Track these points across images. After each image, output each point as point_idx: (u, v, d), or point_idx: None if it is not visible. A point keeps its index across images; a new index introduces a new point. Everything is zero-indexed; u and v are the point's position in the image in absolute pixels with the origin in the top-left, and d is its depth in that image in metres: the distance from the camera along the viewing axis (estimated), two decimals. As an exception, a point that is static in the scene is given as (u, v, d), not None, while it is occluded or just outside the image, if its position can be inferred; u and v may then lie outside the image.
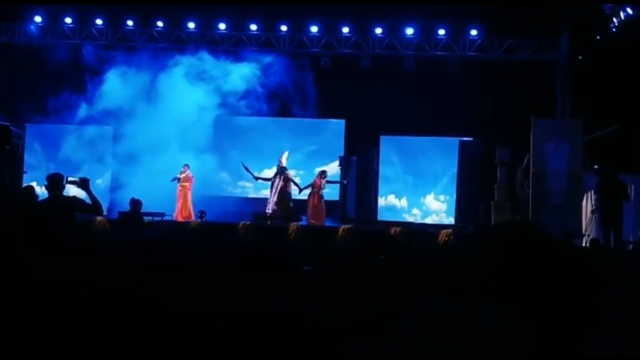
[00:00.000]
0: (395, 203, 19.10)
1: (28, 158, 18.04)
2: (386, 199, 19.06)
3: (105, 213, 12.80)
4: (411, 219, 18.53)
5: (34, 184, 12.63)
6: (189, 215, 17.00)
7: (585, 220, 14.46)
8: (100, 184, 18.32)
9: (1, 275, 3.68)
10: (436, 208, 19.03)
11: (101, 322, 3.24)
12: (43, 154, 18.89)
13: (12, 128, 16.17)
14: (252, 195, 18.95)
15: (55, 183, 7.74)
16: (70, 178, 7.87)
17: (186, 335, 3.25)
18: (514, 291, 3.22)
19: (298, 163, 18.68)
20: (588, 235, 13.64)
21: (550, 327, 3.02)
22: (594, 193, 13.55)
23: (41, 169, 17.82)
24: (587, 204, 14.70)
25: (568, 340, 3.01)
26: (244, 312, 3.43)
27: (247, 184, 18.86)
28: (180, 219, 16.69)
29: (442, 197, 18.97)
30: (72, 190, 8.31)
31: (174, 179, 17.14)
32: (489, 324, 3.01)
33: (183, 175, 17.23)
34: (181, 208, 17.12)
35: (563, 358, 2.96)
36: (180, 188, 17.22)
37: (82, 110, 17.49)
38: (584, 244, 13.14)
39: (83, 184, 7.88)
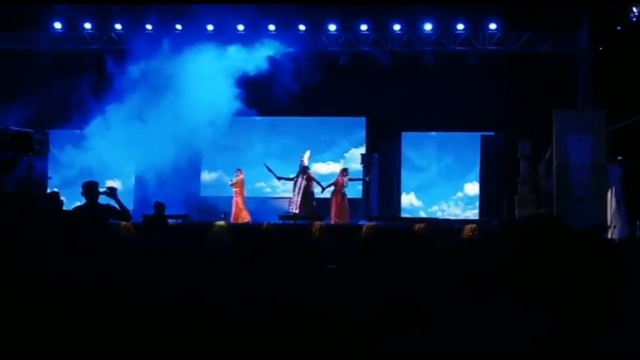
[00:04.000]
0: (417, 200, 19.08)
1: (52, 164, 18.14)
2: (408, 195, 19.05)
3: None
4: (434, 215, 18.49)
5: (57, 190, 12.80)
6: (241, 218, 17.07)
7: (610, 212, 14.34)
8: (122, 187, 18.50)
9: (24, 280, 3.73)
10: (460, 203, 18.99)
11: (131, 322, 3.28)
12: (68, 159, 19.03)
13: (35, 135, 16.24)
14: (274, 195, 18.98)
15: (90, 190, 8.02)
16: (99, 189, 8.19)
17: (209, 334, 3.29)
18: (539, 286, 3.22)
19: (319, 161, 18.72)
20: (614, 227, 13.53)
21: (575, 323, 3.01)
22: (619, 185, 13.45)
23: (67, 175, 17.95)
24: (612, 196, 14.57)
25: (593, 336, 3.00)
26: (271, 311, 3.45)
27: (263, 184, 18.89)
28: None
29: (466, 192, 18.92)
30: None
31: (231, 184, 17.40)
32: (514, 320, 3.01)
33: (235, 180, 17.37)
34: (235, 214, 17.19)
35: (588, 356, 2.95)
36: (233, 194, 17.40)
37: (104, 114, 17.57)
38: (610, 237, 13.03)
39: (112, 193, 8.16)
